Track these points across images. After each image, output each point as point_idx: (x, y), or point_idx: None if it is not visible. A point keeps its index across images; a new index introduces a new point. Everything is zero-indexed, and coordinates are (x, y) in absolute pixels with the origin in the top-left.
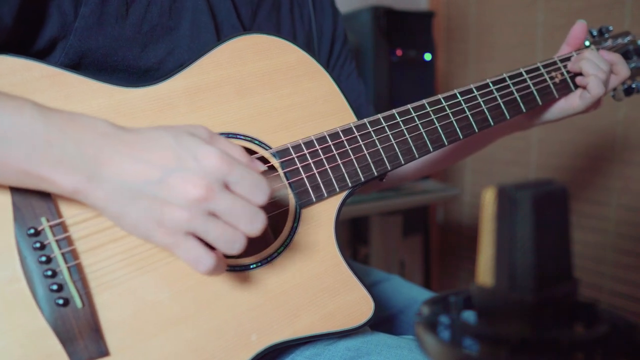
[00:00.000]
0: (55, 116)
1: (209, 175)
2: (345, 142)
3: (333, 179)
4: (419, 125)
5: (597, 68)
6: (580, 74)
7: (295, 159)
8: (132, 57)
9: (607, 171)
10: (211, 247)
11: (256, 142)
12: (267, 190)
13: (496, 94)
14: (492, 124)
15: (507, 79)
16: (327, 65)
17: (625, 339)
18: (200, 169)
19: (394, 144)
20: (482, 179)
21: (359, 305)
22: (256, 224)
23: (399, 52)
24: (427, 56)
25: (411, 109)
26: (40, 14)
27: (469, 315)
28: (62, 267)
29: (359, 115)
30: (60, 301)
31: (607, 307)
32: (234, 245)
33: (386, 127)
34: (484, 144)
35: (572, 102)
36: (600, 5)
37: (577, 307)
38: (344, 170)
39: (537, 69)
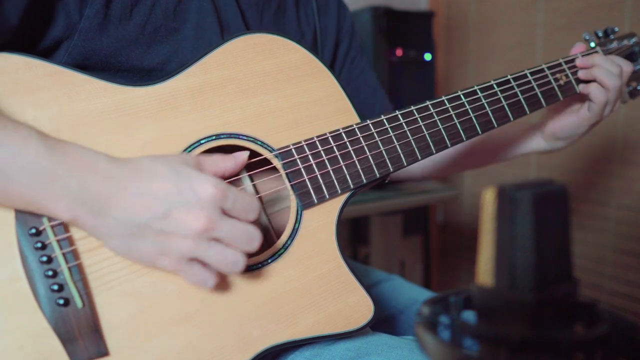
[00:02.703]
0: (60, 153)
1: (207, 206)
2: (348, 143)
3: (335, 181)
4: (422, 126)
5: (610, 75)
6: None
7: (298, 160)
8: (136, 58)
9: (607, 171)
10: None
11: (258, 142)
12: (257, 208)
13: (500, 95)
14: (495, 125)
15: (512, 80)
16: (334, 65)
17: (625, 339)
18: (199, 200)
19: (397, 146)
20: (482, 179)
21: (359, 307)
22: (254, 242)
23: (399, 52)
24: (427, 56)
25: (414, 110)
26: (46, 14)
27: (469, 315)
28: (63, 267)
29: (375, 112)
30: (61, 301)
31: (607, 307)
32: (236, 265)
33: (389, 129)
34: (498, 155)
35: (583, 115)
36: (600, 5)
37: (577, 307)
38: (346, 172)
39: (542, 70)
